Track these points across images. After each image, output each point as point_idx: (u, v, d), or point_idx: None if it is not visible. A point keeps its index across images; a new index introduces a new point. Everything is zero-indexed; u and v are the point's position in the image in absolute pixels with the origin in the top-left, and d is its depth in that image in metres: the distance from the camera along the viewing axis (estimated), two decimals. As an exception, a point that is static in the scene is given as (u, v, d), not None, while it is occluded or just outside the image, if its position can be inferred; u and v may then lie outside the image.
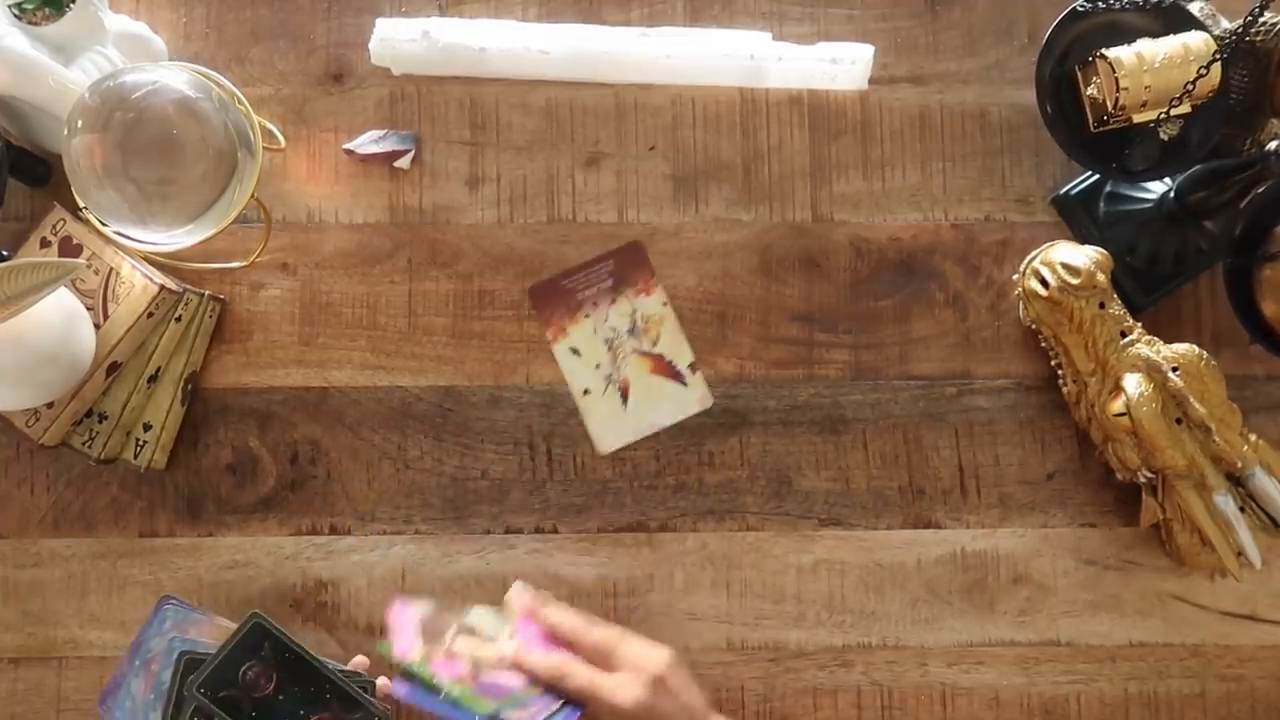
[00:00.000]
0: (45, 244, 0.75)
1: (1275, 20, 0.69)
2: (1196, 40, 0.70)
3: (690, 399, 0.77)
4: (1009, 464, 0.77)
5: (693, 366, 0.77)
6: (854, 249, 0.79)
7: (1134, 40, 0.71)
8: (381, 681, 0.67)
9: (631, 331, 0.77)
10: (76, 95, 0.66)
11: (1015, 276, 0.77)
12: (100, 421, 0.75)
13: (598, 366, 0.77)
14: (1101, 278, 0.72)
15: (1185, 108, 0.71)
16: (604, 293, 0.78)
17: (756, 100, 0.80)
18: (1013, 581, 0.76)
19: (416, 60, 0.79)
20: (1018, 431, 0.78)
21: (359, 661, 0.68)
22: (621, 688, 0.62)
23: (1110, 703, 0.75)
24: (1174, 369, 0.71)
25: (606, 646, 0.65)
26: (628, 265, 0.78)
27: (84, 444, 0.75)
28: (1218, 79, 0.70)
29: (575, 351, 0.77)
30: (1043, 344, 0.77)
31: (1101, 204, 0.78)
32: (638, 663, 0.64)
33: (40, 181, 0.77)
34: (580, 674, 0.64)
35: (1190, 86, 0.69)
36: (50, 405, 0.72)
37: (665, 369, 0.77)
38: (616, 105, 0.80)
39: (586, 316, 0.77)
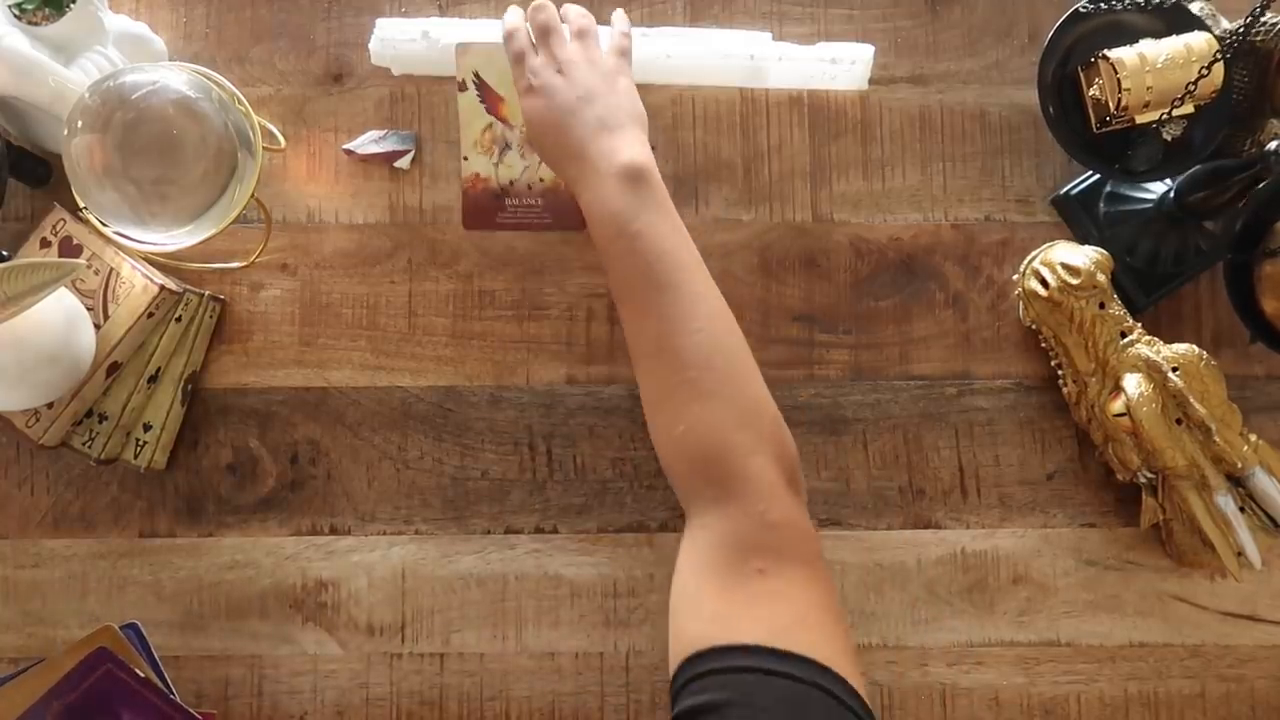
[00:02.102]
0: (45, 244, 0.75)
1: (1275, 20, 0.69)
2: (1198, 40, 0.70)
3: None
4: (1009, 464, 0.77)
5: None
6: (854, 249, 0.79)
7: (1136, 41, 0.71)
8: None
9: None
10: (76, 95, 0.66)
11: (1015, 276, 0.77)
12: (100, 422, 0.75)
13: None
14: (1101, 278, 0.72)
15: (1188, 108, 0.71)
16: None
17: (756, 100, 0.80)
18: (1013, 582, 0.76)
19: (416, 60, 0.79)
20: (1018, 431, 0.78)
21: None
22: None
23: (1110, 703, 0.75)
24: (1174, 369, 0.71)
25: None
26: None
27: (84, 444, 0.74)
28: (1220, 79, 0.70)
29: None
30: (1043, 344, 0.77)
31: (1101, 204, 0.78)
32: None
33: (41, 182, 0.77)
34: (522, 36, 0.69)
35: (1192, 87, 0.69)
36: (50, 406, 0.72)
37: None
38: (617, 105, 0.80)
39: None
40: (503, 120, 0.77)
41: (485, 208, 0.78)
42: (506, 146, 0.76)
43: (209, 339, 0.77)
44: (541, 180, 0.77)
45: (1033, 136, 0.80)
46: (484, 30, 0.79)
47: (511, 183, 0.77)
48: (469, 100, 0.77)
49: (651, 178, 0.64)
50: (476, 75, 0.77)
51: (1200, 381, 0.71)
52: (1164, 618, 0.76)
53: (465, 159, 0.77)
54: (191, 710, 0.70)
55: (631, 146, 0.65)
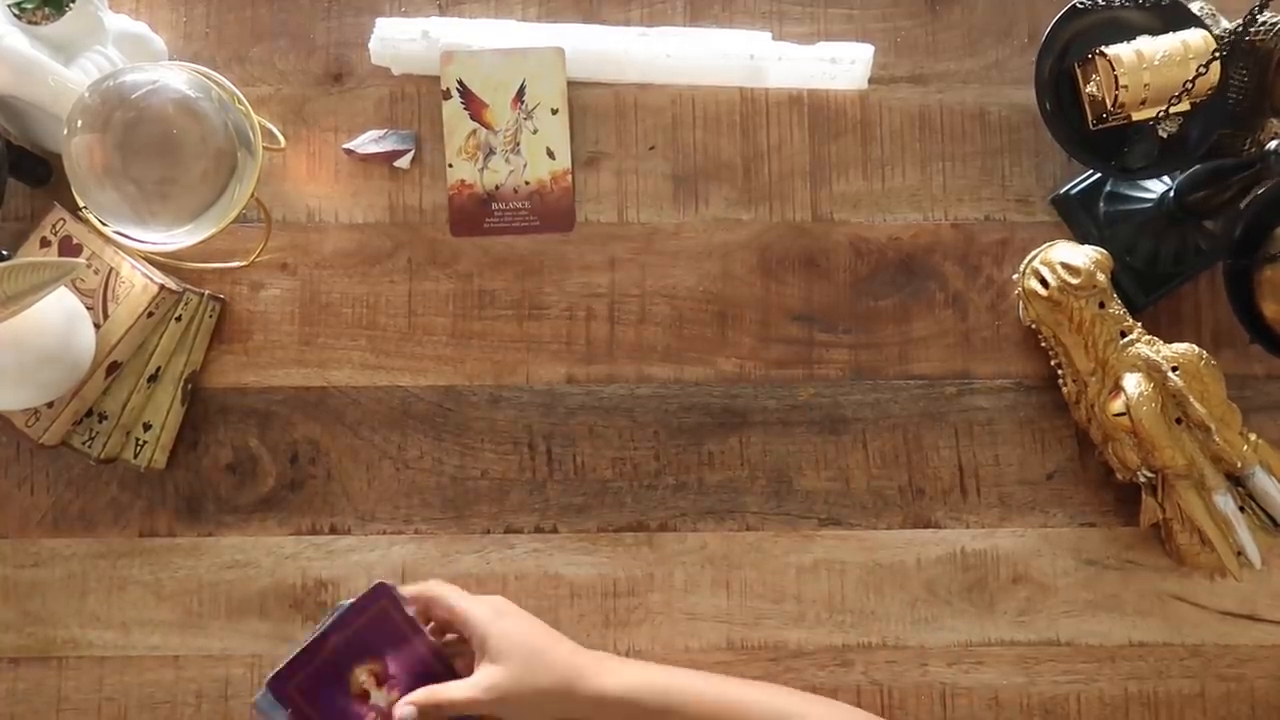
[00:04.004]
0: (45, 244, 0.75)
1: (1274, 20, 0.69)
2: (1196, 38, 0.70)
3: None
4: (1009, 464, 0.77)
5: None
6: (854, 249, 0.79)
7: (1134, 38, 0.71)
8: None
9: None
10: (76, 95, 0.66)
11: (1015, 276, 0.77)
12: (100, 421, 0.75)
13: None
14: (1101, 277, 0.72)
15: (1184, 105, 0.71)
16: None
17: (756, 100, 0.80)
18: (1012, 581, 0.76)
19: (416, 60, 0.79)
20: (1018, 431, 0.78)
21: None
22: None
23: (1110, 703, 0.75)
24: (1174, 369, 0.71)
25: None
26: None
27: (84, 444, 0.75)
28: (1217, 77, 0.70)
29: None
30: (1043, 344, 0.77)
31: (1101, 204, 0.78)
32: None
33: (40, 181, 0.77)
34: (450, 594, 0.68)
35: (1189, 84, 0.69)
36: (50, 405, 0.72)
37: None
38: (616, 105, 0.80)
39: None
40: (486, 126, 0.77)
41: (472, 214, 0.78)
42: (490, 151, 0.77)
43: (209, 339, 0.77)
44: (527, 183, 0.77)
45: (1032, 136, 0.80)
46: (481, 32, 0.79)
47: (497, 187, 0.78)
48: (453, 108, 0.77)
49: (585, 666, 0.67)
50: (460, 82, 0.77)
51: (1200, 381, 0.71)
52: (1164, 617, 0.76)
53: (450, 166, 0.78)
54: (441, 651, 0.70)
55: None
